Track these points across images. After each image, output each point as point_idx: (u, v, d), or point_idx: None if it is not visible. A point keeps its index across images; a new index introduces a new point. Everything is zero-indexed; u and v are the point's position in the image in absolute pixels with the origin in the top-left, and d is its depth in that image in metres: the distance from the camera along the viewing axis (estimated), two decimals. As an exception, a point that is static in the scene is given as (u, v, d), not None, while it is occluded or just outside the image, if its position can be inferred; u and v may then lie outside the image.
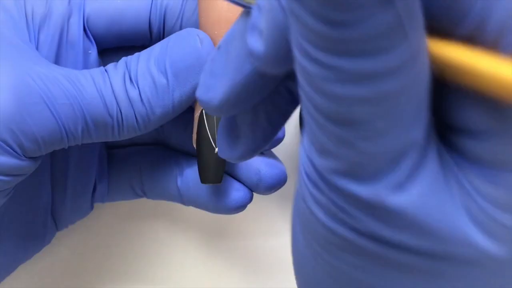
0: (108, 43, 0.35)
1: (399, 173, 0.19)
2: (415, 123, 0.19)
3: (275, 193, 0.37)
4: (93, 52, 0.34)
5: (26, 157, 0.30)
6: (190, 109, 0.34)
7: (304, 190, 0.21)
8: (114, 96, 0.31)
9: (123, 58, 0.32)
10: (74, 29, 0.33)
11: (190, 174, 0.36)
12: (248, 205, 0.36)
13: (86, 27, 0.34)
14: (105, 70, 0.31)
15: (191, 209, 0.37)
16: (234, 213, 0.35)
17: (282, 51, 0.20)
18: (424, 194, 0.19)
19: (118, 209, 0.43)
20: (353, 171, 0.19)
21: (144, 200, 0.40)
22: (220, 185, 0.34)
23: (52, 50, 0.33)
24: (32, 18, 0.32)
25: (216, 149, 0.32)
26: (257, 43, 0.21)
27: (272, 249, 0.43)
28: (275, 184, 0.35)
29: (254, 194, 0.36)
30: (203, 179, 0.33)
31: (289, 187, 0.44)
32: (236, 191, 0.35)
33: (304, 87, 0.19)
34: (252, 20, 0.21)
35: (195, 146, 0.33)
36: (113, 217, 0.43)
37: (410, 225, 0.19)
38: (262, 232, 0.44)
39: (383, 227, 0.20)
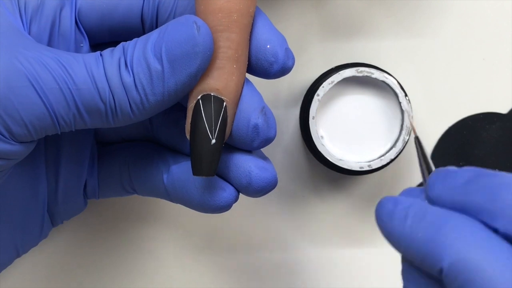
0: (100, 37, 0.34)
1: None
2: None
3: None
4: (85, 46, 0.34)
5: (15, 142, 0.30)
6: (181, 106, 0.33)
7: None
8: (107, 81, 0.30)
9: (121, 43, 0.31)
10: (66, 21, 0.33)
11: (176, 171, 0.35)
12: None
13: (78, 20, 0.34)
14: (100, 55, 0.31)
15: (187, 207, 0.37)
16: (218, 212, 0.34)
17: None
18: None
19: (114, 207, 0.43)
20: None
21: (140, 199, 0.39)
22: (205, 184, 0.33)
23: (43, 42, 0.33)
24: (25, 9, 0.32)
25: (213, 141, 0.31)
26: None
27: (272, 250, 0.44)
28: (265, 188, 0.33)
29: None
30: (196, 171, 0.31)
31: (290, 190, 0.43)
32: (222, 190, 0.33)
33: None
34: None
35: (188, 137, 0.32)
36: (109, 215, 0.43)
37: None
38: (259, 233, 0.44)
39: None
